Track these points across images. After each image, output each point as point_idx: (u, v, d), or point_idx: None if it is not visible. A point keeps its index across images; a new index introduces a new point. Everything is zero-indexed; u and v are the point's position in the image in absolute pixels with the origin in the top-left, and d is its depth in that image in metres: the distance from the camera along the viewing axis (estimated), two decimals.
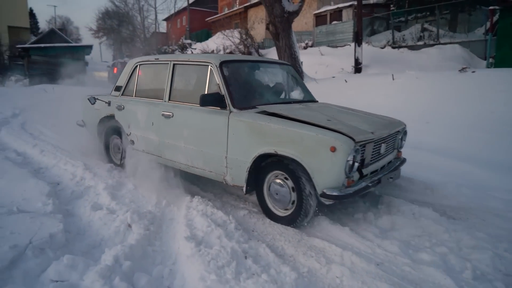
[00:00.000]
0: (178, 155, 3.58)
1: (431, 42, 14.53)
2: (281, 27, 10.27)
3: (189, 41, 25.70)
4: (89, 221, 2.90)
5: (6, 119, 8.15)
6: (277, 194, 2.92)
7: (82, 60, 21.94)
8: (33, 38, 30.97)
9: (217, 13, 30.92)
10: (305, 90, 4.11)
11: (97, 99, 4.56)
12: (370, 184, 2.74)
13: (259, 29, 22.14)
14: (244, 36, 18.77)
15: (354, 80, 9.92)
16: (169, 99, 3.67)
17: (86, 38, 36.67)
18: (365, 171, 2.80)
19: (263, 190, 3.03)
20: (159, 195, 3.49)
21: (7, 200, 3.06)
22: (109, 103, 4.39)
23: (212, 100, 3.10)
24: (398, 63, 13.21)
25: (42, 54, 20.93)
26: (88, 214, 3.01)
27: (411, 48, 14.74)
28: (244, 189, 3.02)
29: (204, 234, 2.59)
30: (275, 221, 2.96)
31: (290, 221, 2.86)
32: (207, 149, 3.26)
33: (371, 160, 2.88)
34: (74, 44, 26.27)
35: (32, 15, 43.98)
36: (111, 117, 4.36)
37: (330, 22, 19.56)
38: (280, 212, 2.95)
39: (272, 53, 18.86)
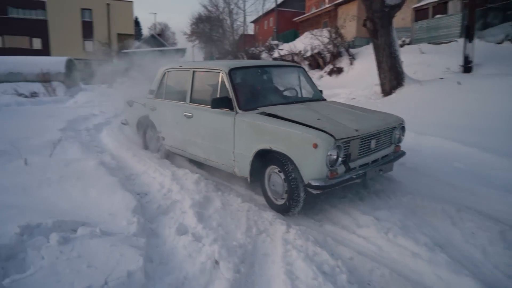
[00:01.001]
0: (198, 150, 4.10)
1: None
2: (380, 23, 9.22)
3: (276, 42, 25.47)
4: (172, 247, 2.56)
5: (109, 120, 8.65)
6: (273, 185, 3.26)
7: (176, 62, 23.21)
8: (136, 44, 34.04)
9: (304, 13, 30.24)
10: (314, 89, 4.41)
11: (134, 102, 5.28)
12: (354, 176, 3.00)
13: (349, 27, 20.87)
14: (333, 35, 17.78)
15: (468, 82, 8.40)
16: (190, 102, 4.15)
17: (181, 42, 39.06)
18: (352, 164, 3.04)
19: (265, 181, 3.36)
20: (249, 219, 3.04)
21: (95, 214, 2.89)
22: (144, 105, 5.01)
23: (221, 103, 3.51)
24: None
25: (141, 57, 22.64)
26: (173, 238, 2.67)
27: None
28: (248, 179, 3.44)
29: None
30: (274, 210, 3.25)
31: (285, 209, 3.15)
32: (219, 145, 3.71)
33: (359, 155, 3.12)
34: (168, 48, 28.08)
35: (136, 23, 48.68)
36: (146, 117, 4.99)
37: (433, 16, 17.44)
38: (278, 202, 3.25)
39: (364, 52, 17.56)
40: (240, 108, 3.47)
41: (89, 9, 35.72)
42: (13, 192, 3.24)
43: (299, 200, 3.03)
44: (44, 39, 35.25)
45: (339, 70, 17.34)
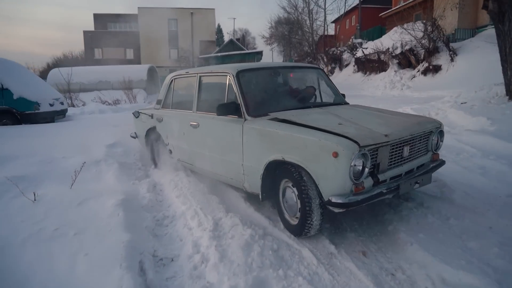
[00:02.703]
0: (205, 163, 3.72)
1: None
2: (509, 2, 6.93)
3: (359, 40, 23.18)
4: None
5: None
6: (286, 202, 2.87)
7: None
8: (216, 49, 34.51)
9: (390, 8, 27.24)
10: (335, 92, 4.05)
11: (141, 112, 4.92)
12: (384, 191, 2.53)
13: (449, 17, 17.79)
14: (429, 28, 15.09)
15: None
16: (196, 110, 3.82)
17: (261, 46, 38.77)
18: (382, 176, 2.60)
19: (279, 198, 2.94)
20: None
21: None
22: (151, 116, 4.64)
23: (228, 109, 3.15)
24: None
25: (220, 62, 22.37)
26: None
27: None
28: (260, 196, 3.01)
29: None
30: (289, 231, 2.85)
31: (297, 230, 2.75)
32: (227, 157, 3.34)
33: (390, 165, 2.69)
34: (246, 51, 27.63)
35: (219, 30, 49.88)
36: (154, 128, 4.63)
37: None
38: (293, 222, 2.82)
39: (468, 46, 14.66)
40: (249, 115, 3.10)
41: (175, 19, 37.30)
42: None
43: (312, 219, 2.59)
44: (136, 49, 37.77)
45: (436, 69, 14.68)
